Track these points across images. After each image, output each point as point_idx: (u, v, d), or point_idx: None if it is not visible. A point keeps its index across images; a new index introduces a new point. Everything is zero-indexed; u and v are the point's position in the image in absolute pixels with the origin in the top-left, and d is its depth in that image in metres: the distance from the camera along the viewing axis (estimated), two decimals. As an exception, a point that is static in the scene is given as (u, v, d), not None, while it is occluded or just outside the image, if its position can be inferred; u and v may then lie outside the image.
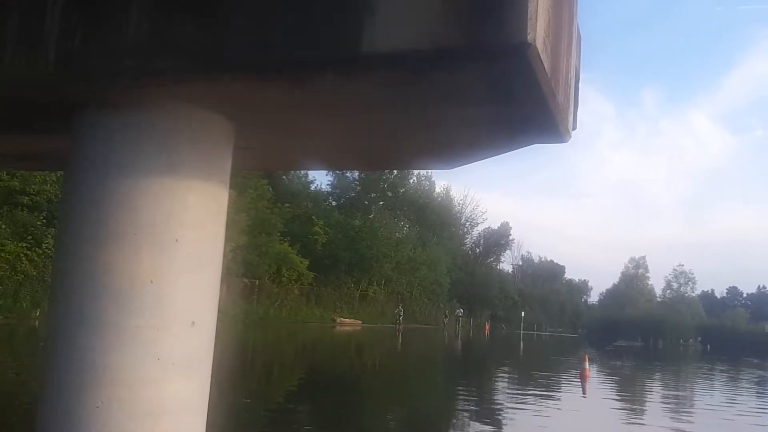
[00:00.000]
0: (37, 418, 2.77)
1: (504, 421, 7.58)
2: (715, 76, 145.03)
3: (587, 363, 13.63)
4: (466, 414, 8.23)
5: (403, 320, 43.17)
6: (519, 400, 9.91)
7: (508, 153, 3.78)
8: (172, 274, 2.81)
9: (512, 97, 2.42)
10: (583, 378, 13.20)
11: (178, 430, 2.76)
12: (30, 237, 20.32)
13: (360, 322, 39.83)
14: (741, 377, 19.53)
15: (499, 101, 2.45)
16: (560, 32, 2.41)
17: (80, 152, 2.92)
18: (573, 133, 3.17)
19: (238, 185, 29.62)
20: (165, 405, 2.72)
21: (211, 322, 3.02)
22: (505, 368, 17.24)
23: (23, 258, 19.67)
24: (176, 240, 2.82)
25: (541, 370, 16.92)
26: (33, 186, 21.51)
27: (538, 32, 2.00)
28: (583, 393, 11.52)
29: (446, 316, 47.50)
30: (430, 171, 73.09)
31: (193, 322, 2.88)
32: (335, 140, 3.49)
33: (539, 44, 2.06)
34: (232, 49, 2.38)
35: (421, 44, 2.15)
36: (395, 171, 56.11)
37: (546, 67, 2.16)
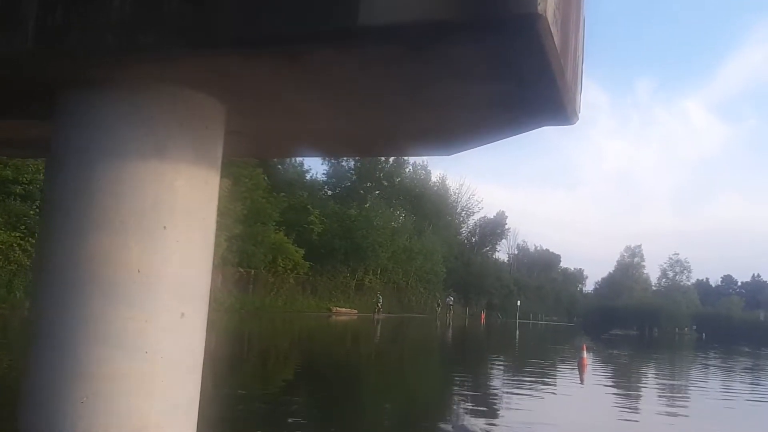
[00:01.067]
0: (20, 413, 2.65)
1: (500, 410, 7.51)
2: (708, 65, 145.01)
3: (585, 352, 13.60)
4: (460, 402, 8.16)
5: (384, 308, 42.40)
6: (515, 390, 9.85)
7: (510, 138, 3.66)
8: (160, 263, 2.68)
9: (519, 75, 2.28)
10: (580, 367, 13.17)
11: (169, 426, 2.65)
12: (23, 227, 20.13)
13: (356, 311, 39.82)
14: (735, 365, 19.56)
15: (504, 79, 2.32)
16: (569, 5, 2.27)
17: (63, 136, 2.78)
18: (579, 115, 3.06)
19: (233, 174, 29.47)
20: (154, 400, 2.60)
21: (202, 313, 2.90)
22: (501, 357, 17.21)
23: (16, 248, 19.49)
24: (164, 227, 2.69)
25: (537, 359, 16.89)
26: (26, 175, 21.30)
27: (549, 3, 1.86)
28: (581, 382, 11.47)
29: (438, 305, 47.05)
30: (426, 160, 73.14)
31: (183, 314, 2.75)
32: (329, 123, 3.35)
33: (549, 16, 1.92)
34: (219, 24, 2.24)
35: (421, 16, 2.01)
36: (391, 160, 55.99)
37: (556, 41, 2.03)
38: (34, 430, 2.45)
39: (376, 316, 38.73)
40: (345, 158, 53.66)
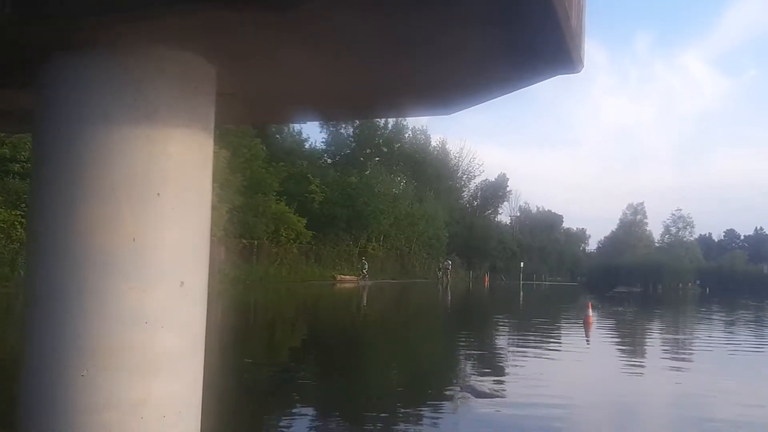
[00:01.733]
0: (20, 389, 2.61)
1: (506, 370, 7.53)
2: (707, 17, 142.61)
3: (590, 310, 13.63)
4: (467, 363, 8.19)
5: (370, 274, 41.00)
6: (521, 349, 9.88)
7: (513, 93, 3.54)
8: (156, 231, 2.60)
9: (524, 19, 2.16)
10: (586, 325, 13.21)
11: (171, 398, 2.60)
12: (23, 205, 20.05)
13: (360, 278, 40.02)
14: (737, 318, 19.65)
15: (508, 24, 2.20)
16: (575, -61, 2.15)
17: (47, 104, 2.67)
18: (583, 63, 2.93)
19: (231, 145, 29.23)
20: (155, 371, 2.55)
21: (202, 281, 2.82)
22: (506, 318, 17.28)
23: (18, 226, 19.46)
24: (158, 194, 2.60)
25: (542, 319, 16.96)
26: (23, 153, 21.16)
27: (554, -63, 1.74)
28: (587, 340, 11.51)
29: (439, 269, 46.92)
30: (425, 124, 72.28)
31: (182, 282, 2.68)
32: (325, 82, 3.23)
33: (555, -49, 1.81)
34: (204, -26, 2.12)
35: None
36: (390, 125, 55.59)
37: (561, -20, 1.92)
38: (34, 404, 2.40)
39: (361, 283, 37.56)
40: (343, 124, 53.31)
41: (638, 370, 8.37)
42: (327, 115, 6.45)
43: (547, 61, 2.61)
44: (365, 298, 23.81)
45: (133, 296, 2.45)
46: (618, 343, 11.48)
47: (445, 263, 44.75)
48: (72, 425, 2.32)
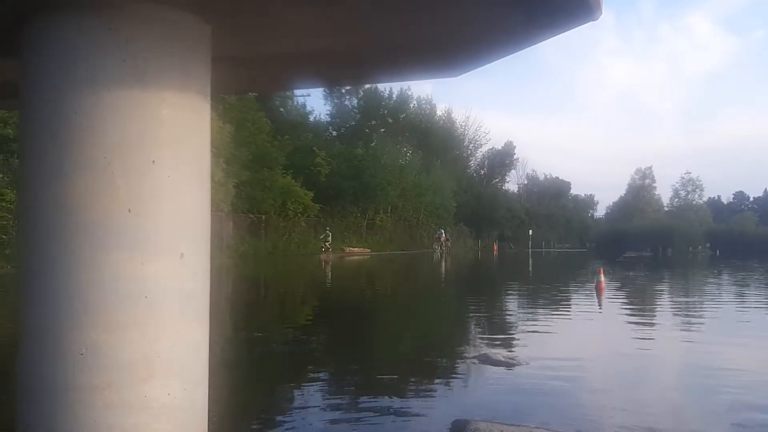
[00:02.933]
0: (18, 368, 2.51)
1: (519, 338, 7.45)
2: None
3: (602, 276, 13.51)
4: (475, 331, 8.12)
5: (332, 245, 35.13)
6: (533, 317, 9.80)
7: (524, 49, 3.35)
8: (152, 201, 2.47)
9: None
10: (598, 291, 13.11)
11: (178, 374, 2.50)
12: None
13: (369, 250, 40.02)
14: (749, 280, 19.51)
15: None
16: None
17: (32, 70, 2.51)
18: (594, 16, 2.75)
19: (235, 120, 29.05)
20: (159, 348, 2.44)
21: (204, 252, 2.70)
22: (516, 286, 17.22)
23: (25, 207, 19.45)
24: (153, 161, 2.46)
25: (552, 286, 16.88)
26: (26, 134, 21.03)
27: None
28: (599, 306, 11.41)
29: (438, 239, 46.35)
30: (430, 93, 71.25)
31: (183, 254, 2.56)
32: (324, 39, 3.05)
33: None
34: None
35: None
36: (395, 96, 55.08)
37: None
38: (32, 385, 2.31)
39: (322, 257, 31.69)
40: (347, 96, 52.85)
41: (652, 333, 8.28)
42: (329, 80, 6.28)
43: (563, 8, 2.43)
44: (365, 272, 23.79)
45: (131, 270, 2.33)
46: (631, 308, 11.38)
47: (438, 233, 43.66)
48: (72, 406, 2.22)
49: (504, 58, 3.60)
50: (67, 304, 2.23)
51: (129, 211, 2.30)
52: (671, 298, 13.93)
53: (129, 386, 2.31)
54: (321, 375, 5.53)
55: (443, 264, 30.42)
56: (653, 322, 9.58)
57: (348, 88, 52.37)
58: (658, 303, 12.69)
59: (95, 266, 2.26)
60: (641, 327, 8.82)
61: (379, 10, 2.53)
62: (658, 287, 16.96)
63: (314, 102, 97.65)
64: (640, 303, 12.47)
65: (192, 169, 2.50)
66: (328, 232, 36.12)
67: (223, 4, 2.47)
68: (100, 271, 2.26)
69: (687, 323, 9.37)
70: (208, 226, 2.64)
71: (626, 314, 10.35)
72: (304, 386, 4.96)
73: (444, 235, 43.77)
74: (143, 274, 2.33)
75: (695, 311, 10.89)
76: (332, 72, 4.16)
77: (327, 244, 34.69)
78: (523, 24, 2.62)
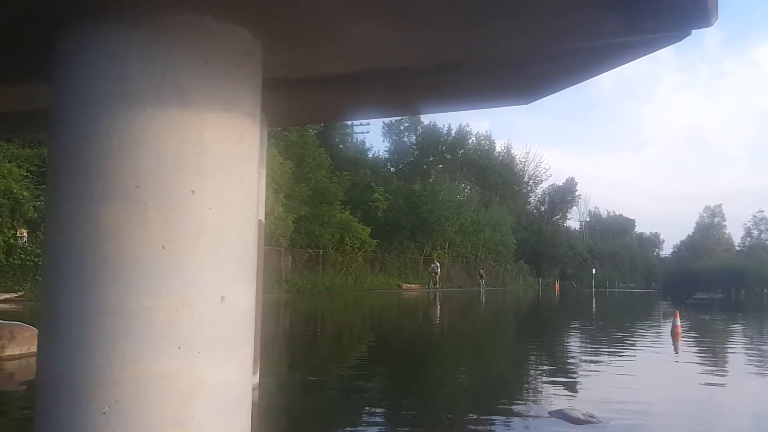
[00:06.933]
0: (35, 425, 2.23)
1: (594, 389, 6.85)
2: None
3: (678, 319, 12.63)
4: (545, 379, 7.54)
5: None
6: (607, 364, 9.12)
7: (613, 68, 2.95)
8: (190, 236, 2.17)
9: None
10: (674, 336, 12.23)
11: (214, 435, 2.17)
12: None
13: (426, 287, 39.44)
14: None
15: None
16: None
17: (62, 88, 2.26)
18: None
19: (296, 156, 29.43)
20: (192, 405, 2.12)
21: (248, 293, 2.38)
22: (584, 328, 16.36)
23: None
24: (192, 191, 2.17)
25: (622, 330, 15.95)
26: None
27: None
28: (675, 351, 10.59)
29: (481, 277, 44.19)
30: (489, 130, 70.59)
31: (223, 297, 2.24)
32: (386, 59, 2.74)
33: None
34: None
35: None
36: (453, 132, 54.90)
37: None
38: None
39: (433, 285, 32.37)
40: (405, 130, 52.95)
41: (749, 384, 7.50)
42: (389, 107, 5.91)
43: (675, 9, 2.04)
44: (437, 308, 23.24)
45: (163, 315, 2.03)
46: (711, 356, 10.50)
47: (432, 266, 40.79)
48: (90, 475, 1.91)
49: (583, 82, 3.21)
50: (89, 353, 1.93)
51: (163, 248, 2.00)
52: (754, 343, 12.87)
53: (158, 453, 1.97)
54: (377, 429, 5.12)
55: (484, 300, 29.51)
56: (740, 370, 8.74)
57: (407, 124, 52.56)
58: (742, 349, 11.69)
59: (122, 311, 1.96)
60: (724, 376, 8.04)
61: (450, 19, 2.18)
62: (741, 333, 15.78)
63: (373, 138, 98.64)
64: (721, 350, 11.52)
65: (237, 200, 2.20)
66: (436, 263, 39.14)
67: (275, 16, 2.18)
68: (128, 317, 1.96)
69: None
70: (254, 265, 2.32)
71: (709, 362, 9.51)
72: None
73: (438, 268, 40.56)
74: (177, 321, 2.02)
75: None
76: (392, 98, 3.83)
77: (435, 275, 37.19)
78: (622, 32, 2.21)
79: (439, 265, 40.00)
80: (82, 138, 2.01)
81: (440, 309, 23.09)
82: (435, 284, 38.69)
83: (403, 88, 3.19)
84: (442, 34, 2.33)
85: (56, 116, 2.12)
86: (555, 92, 3.30)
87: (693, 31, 2.23)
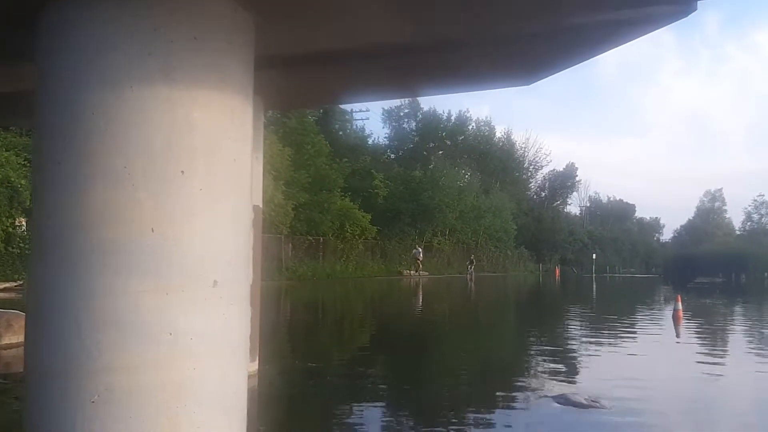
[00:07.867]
0: (24, 417, 2.17)
1: (594, 371, 6.81)
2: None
3: (680, 304, 12.59)
4: (548, 365, 7.50)
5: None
6: (609, 349, 9.09)
7: (615, 47, 2.87)
8: (180, 218, 2.10)
9: None
10: (675, 320, 12.20)
11: (208, 424, 2.11)
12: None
13: (427, 273, 39.41)
14: None
15: None
16: None
17: (47, 67, 2.18)
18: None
19: (295, 143, 29.29)
20: (185, 394, 2.06)
21: (242, 278, 2.31)
22: (585, 313, 16.35)
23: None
24: (182, 171, 2.09)
25: (623, 314, 15.93)
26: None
27: None
28: (677, 335, 10.57)
29: (471, 262, 43.80)
30: (489, 116, 70.46)
31: (216, 281, 2.17)
32: (384, 34, 2.66)
33: None
34: None
35: None
36: (453, 119, 54.67)
37: None
38: (33, 438, 1.95)
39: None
40: (405, 116, 52.73)
41: (740, 366, 7.47)
42: (385, 89, 5.80)
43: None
44: (418, 296, 23.24)
45: (153, 300, 1.96)
46: (713, 339, 10.46)
47: (414, 251, 39.68)
48: (79, 465, 1.85)
49: (586, 61, 3.12)
50: (78, 341, 1.87)
51: (152, 230, 1.93)
52: (756, 327, 12.84)
53: (149, 442, 1.91)
54: (379, 414, 5.08)
55: (473, 287, 29.54)
56: (741, 353, 8.70)
57: (407, 110, 52.32)
58: (745, 333, 11.65)
59: (111, 296, 1.89)
60: (724, 360, 8.01)
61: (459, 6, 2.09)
62: (743, 316, 15.76)
63: (373, 125, 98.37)
64: (722, 334, 11.49)
65: (229, 181, 2.12)
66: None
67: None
68: (117, 302, 1.90)
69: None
70: (249, 248, 2.25)
71: (712, 346, 9.47)
72: (360, 426, 4.52)
73: (420, 254, 39.67)
74: (168, 306, 1.95)
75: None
76: (391, 78, 3.73)
77: (418, 261, 36.35)
78: (630, 3, 2.12)
79: (420, 250, 39.52)
80: (68, 118, 1.93)
81: (422, 296, 23.11)
82: (417, 270, 38.16)
83: (402, 67, 3.10)
84: (441, 8, 2.24)
85: (41, 96, 2.04)
86: (556, 72, 3.21)
87: (698, 6, 2.15)
